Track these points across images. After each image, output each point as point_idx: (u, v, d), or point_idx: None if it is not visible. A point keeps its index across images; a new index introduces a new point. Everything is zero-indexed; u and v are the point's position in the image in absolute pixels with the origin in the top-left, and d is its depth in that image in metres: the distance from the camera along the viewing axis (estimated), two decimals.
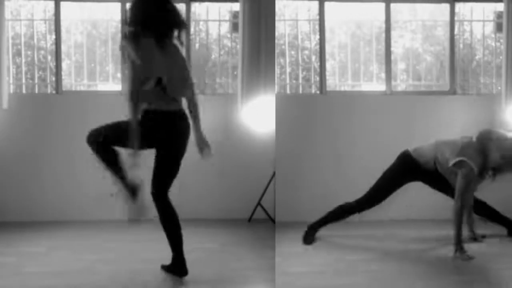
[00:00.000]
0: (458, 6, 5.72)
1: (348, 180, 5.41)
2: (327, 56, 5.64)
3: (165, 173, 3.51)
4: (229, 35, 5.78)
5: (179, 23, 3.42)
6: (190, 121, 3.53)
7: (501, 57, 5.58)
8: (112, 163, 3.43)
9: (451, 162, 4.01)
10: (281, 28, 5.67)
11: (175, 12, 3.40)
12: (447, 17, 5.69)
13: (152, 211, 3.57)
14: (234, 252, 4.16)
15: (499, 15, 5.68)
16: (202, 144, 3.60)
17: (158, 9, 3.34)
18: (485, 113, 5.46)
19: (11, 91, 5.50)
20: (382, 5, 5.61)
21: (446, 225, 4.92)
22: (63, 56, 5.53)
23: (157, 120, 3.35)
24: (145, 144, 3.36)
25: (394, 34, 5.71)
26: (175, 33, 3.42)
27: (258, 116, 5.37)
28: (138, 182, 3.51)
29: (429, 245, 4.18)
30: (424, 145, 4.33)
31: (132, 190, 3.48)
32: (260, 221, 5.32)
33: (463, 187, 3.93)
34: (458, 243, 3.92)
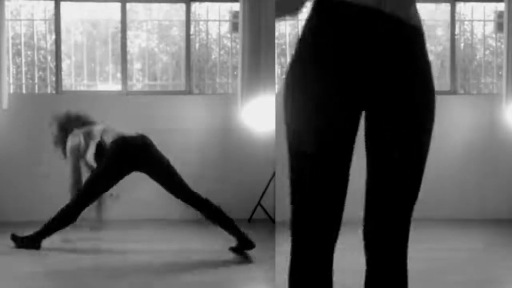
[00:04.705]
0: (459, 6, 5.71)
1: None
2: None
3: None
4: (229, 35, 5.78)
5: None
6: None
7: (502, 57, 5.57)
8: None
9: None
10: (282, 28, 5.66)
11: None
12: (447, 17, 5.68)
13: None
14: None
15: (499, 15, 5.68)
16: None
17: None
18: (486, 113, 5.46)
19: (11, 91, 5.50)
20: None
21: (441, 225, 4.92)
22: (63, 56, 5.53)
23: None
24: None
25: None
26: None
27: (258, 116, 5.36)
28: None
29: (428, 245, 4.17)
30: None
31: None
32: (260, 221, 5.31)
33: None
34: None
